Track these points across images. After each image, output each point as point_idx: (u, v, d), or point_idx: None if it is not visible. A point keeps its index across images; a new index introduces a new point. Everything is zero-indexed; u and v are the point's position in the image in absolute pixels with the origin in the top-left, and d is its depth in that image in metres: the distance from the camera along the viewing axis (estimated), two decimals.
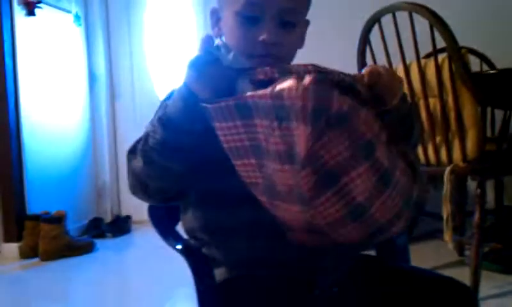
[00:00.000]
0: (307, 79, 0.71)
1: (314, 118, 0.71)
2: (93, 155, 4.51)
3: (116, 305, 2.67)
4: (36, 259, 3.42)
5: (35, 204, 3.65)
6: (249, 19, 0.93)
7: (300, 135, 0.71)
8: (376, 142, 0.76)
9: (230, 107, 0.77)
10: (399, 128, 0.87)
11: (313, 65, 0.74)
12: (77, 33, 4.35)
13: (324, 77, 0.72)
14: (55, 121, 4.00)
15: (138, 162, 0.90)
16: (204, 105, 0.80)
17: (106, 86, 4.59)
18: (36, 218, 3.50)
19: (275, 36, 0.92)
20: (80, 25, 4.36)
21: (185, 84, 0.85)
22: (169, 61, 4.50)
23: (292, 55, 1.00)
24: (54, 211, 3.58)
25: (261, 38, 0.92)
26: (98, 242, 3.75)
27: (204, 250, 0.97)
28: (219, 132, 0.80)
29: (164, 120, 0.86)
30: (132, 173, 0.93)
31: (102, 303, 2.64)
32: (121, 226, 4.19)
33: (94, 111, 4.54)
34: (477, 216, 2.09)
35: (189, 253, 0.95)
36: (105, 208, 4.54)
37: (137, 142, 0.92)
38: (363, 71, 0.81)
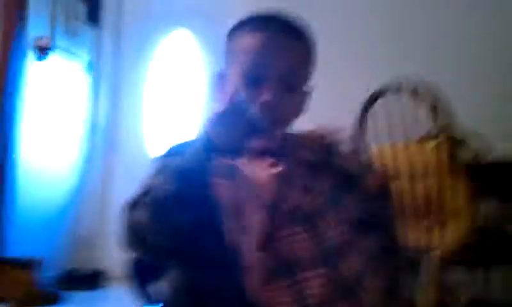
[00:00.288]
0: (276, 171, 0.76)
1: (269, 209, 0.75)
2: (80, 205, 4.43)
3: None
4: (3, 306, 3.30)
5: (13, 247, 3.57)
6: (252, 80, 0.94)
7: (258, 219, 0.76)
8: (343, 251, 0.77)
9: (224, 167, 0.81)
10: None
11: (327, 144, 0.78)
12: (86, 81, 4.37)
13: (311, 162, 0.79)
14: (49, 165, 3.98)
15: (142, 215, 0.87)
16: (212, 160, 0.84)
17: (106, 138, 4.56)
18: (7, 262, 3.42)
19: (276, 97, 0.93)
20: (91, 73, 4.38)
21: (207, 134, 0.86)
22: (172, 119, 4.50)
23: (290, 120, 0.99)
24: (27, 256, 3.49)
25: (262, 99, 0.93)
26: (69, 295, 3.63)
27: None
28: (214, 188, 0.83)
29: (180, 171, 0.85)
30: (130, 226, 0.90)
31: None
32: (95, 280, 4.11)
33: (90, 160, 4.49)
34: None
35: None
36: (82, 261, 4.42)
37: (140, 196, 0.91)
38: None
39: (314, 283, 0.74)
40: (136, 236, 0.90)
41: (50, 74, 3.90)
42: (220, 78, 1.03)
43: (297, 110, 1.00)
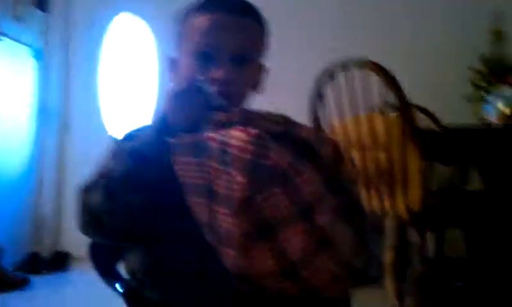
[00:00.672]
0: (251, 132, 0.75)
1: (250, 169, 0.73)
2: (36, 188, 4.36)
3: None
4: None
5: None
6: (203, 57, 0.96)
7: (237, 183, 0.74)
8: (317, 206, 0.78)
9: (188, 144, 0.81)
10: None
11: (283, 118, 0.78)
12: (34, 67, 4.26)
13: (272, 132, 0.78)
14: None
15: (97, 197, 0.88)
16: (168, 139, 0.83)
17: (58, 119, 4.48)
18: None
19: (227, 73, 0.95)
20: (39, 59, 4.28)
21: (164, 114, 0.86)
22: (124, 99, 4.46)
23: (243, 94, 1.01)
24: None
25: (213, 75, 0.94)
26: (34, 279, 3.60)
27: (146, 292, 0.95)
28: (176, 167, 0.83)
29: (134, 152, 0.86)
30: (86, 209, 0.91)
31: None
32: (59, 262, 4.05)
33: (42, 141, 4.40)
34: (417, 265, 2.14)
35: (129, 295, 0.93)
36: (44, 243, 4.38)
37: (95, 178, 0.92)
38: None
39: (294, 240, 0.76)
40: (92, 219, 0.92)
41: None
42: (172, 63, 1.04)
43: (251, 84, 1.02)
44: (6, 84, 3.92)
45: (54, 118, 4.45)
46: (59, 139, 4.50)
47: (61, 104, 4.51)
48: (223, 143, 0.76)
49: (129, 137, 1.00)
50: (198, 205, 0.82)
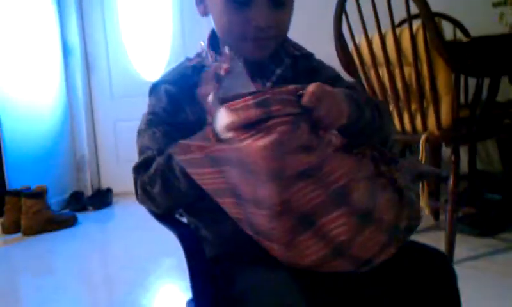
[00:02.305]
0: (267, 144, 0.70)
1: (274, 176, 0.71)
2: (70, 129, 4.49)
3: (101, 277, 2.71)
4: (19, 235, 3.44)
5: (15, 180, 3.65)
6: (239, 3, 0.93)
7: (268, 189, 0.72)
8: (350, 186, 0.76)
9: (200, 159, 0.77)
10: (374, 138, 0.88)
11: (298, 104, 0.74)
12: (49, 5, 4.28)
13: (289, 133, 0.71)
14: (30, 95, 3.97)
15: (156, 184, 0.90)
16: (177, 158, 0.82)
17: (81, 59, 4.54)
18: (17, 193, 3.50)
19: (268, 19, 0.93)
20: None
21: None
22: (144, 33, 4.47)
23: (285, 34, 1.01)
24: (34, 186, 3.58)
25: (254, 23, 0.93)
26: (80, 216, 3.78)
27: (192, 227, 1.00)
28: (195, 177, 0.81)
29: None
30: (142, 187, 0.93)
31: (87, 276, 2.67)
32: (102, 198, 4.20)
33: (69, 84, 4.50)
34: (451, 181, 2.15)
35: (180, 230, 0.97)
36: (86, 182, 4.55)
37: (147, 159, 0.94)
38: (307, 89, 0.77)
39: (336, 224, 0.75)
40: (150, 198, 0.94)
41: (12, 2, 3.81)
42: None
43: (288, 23, 1.00)
44: (27, 23, 3.97)
45: (77, 57, 4.52)
46: (85, 78, 4.59)
47: (82, 42, 4.56)
48: (238, 153, 0.73)
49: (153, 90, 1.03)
50: (226, 204, 0.82)
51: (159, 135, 0.96)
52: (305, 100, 0.74)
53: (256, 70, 1.01)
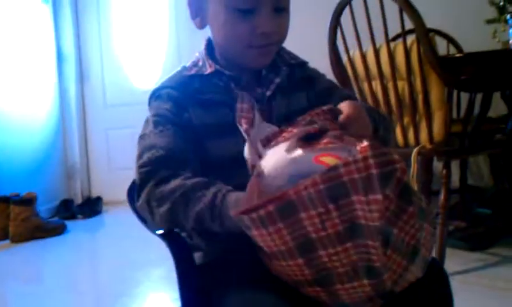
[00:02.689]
0: (360, 148, 0.69)
1: (383, 183, 0.67)
2: (62, 136, 4.47)
3: (89, 286, 2.68)
4: (7, 242, 3.41)
5: (5, 186, 3.61)
6: (244, 12, 0.93)
7: (372, 204, 0.67)
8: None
9: (271, 212, 0.69)
10: None
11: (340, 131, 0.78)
12: (45, 12, 4.27)
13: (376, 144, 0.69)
14: (23, 101, 3.95)
15: (163, 207, 0.86)
16: (239, 216, 0.72)
17: (75, 67, 4.54)
18: (6, 200, 3.48)
19: (273, 25, 0.94)
20: (47, 2, 4.29)
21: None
22: (138, 42, 4.47)
23: (285, 39, 1.01)
24: (24, 193, 3.55)
25: (260, 30, 0.93)
26: (69, 224, 3.75)
27: (183, 234, 0.99)
28: (258, 239, 0.73)
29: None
30: (148, 199, 0.88)
31: (75, 284, 2.65)
32: (92, 207, 4.18)
33: (63, 91, 4.49)
34: (442, 195, 2.16)
35: (170, 238, 0.95)
36: (76, 190, 4.52)
37: (152, 159, 0.90)
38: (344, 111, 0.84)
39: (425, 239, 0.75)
40: (151, 212, 0.90)
41: (7, 8, 3.80)
42: (196, 9, 1.00)
43: (287, 31, 1.01)
44: (22, 29, 3.96)
45: (72, 65, 4.50)
46: (79, 86, 4.57)
47: (76, 50, 4.55)
48: (331, 179, 0.68)
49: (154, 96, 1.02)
50: (290, 266, 0.76)
51: (166, 133, 0.93)
52: (342, 119, 0.84)
53: (255, 80, 1.01)
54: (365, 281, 0.73)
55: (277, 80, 1.01)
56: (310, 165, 0.74)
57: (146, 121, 0.99)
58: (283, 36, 1.00)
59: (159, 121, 0.96)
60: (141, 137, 0.96)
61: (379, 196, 0.67)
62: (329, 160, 0.74)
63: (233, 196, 0.81)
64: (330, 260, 0.72)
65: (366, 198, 0.67)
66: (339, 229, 0.69)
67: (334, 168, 0.68)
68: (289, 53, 1.08)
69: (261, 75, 1.02)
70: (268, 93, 1.00)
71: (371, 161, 0.66)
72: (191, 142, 0.94)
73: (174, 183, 0.86)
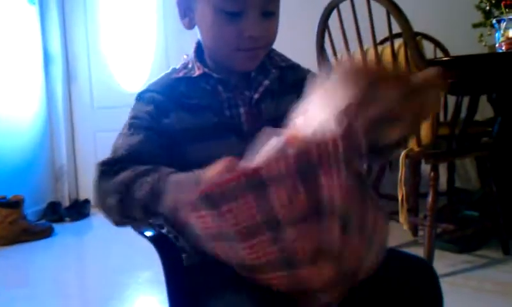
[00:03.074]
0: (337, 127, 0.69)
1: (347, 159, 0.69)
2: (49, 138, 4.44)
3: (76, 290, 2.67)
4: None
5: None
6: (231, 14, 0.92)
7: (333, 181, 0.69)
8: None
9: (241, 184, 0.70)
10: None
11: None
12: (31, 13, 4.25)
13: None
14: (9, 103, 3.91)
15: (113, 197, 0.87)
16: (207, 192, 0.72)
17: (62, 68, 4.51)
18: None
19: (260, 29, 0.93)
20: (34, 3, 4.27)
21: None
22: (126, 43, 4.46)
23: (273, 43, 1.01)
24: (11, 195, 3.52)
25: (247, 34, 0.93)
26: (57, 227, 3.72)
27: (171, 236, 0.99)
28: (227, 216, 0.72)
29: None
30: (100, 192, 0.90)
31: (63, 288, 2.63)
32: (79, 210, 4.15)
33: (50, 93, 4.46)
34: (430, 198, 2.17)
35: (158, 240, 0.95)
36: (63, 192, 4.49)
37: (115, 158, 0.92)
38: None
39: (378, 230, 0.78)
40: (105, 206, 0.91)
41: None
42: (185, 9, 1.00)
43: (275, 35, 1.00)
44: (8, 30, 3.92)
45: (59, 66, 4.48)
46: (66, 87, 4.55)
47: (63, 51, 4.52)
48: (302, 155, 0.70)
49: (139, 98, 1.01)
50: (256, 246, 0.76)
51: (134, 137, 0.94)
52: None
53: (243, 82, 1.01)
54: (328, 264, 0.74)
55: (266, 82, 1.01)
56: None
57: (126, 121, 0.99)
58: (271, 40, 0.99)
59: (133, 123, 0.97)
60: (117, 136, 0.98)
61: (345, 173, 0.68)
62: (299, 135, 0.74)
63: (177, 175, 0.83)
64: (295, 240, 0.72)
65: (332, 176, 0.68)
66: (305, 207, 0.70)
67: (305, 144, 0.69)
68: (280, 55, 1.08)
69: (250, 77, 1.01)
70: (256, 96, 1.00)
71: (339, 138, 0.68)
72: (165, 148, 0.94)
73: (122, 174, 0.87)
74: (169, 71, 1.05)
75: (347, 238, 0.73)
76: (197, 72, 1.00)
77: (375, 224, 0.78)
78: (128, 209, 0.86)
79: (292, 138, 0.73)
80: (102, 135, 4.44)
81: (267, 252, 0.74)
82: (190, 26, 1.01)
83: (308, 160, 0.68)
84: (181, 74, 1.02)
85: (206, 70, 1.00)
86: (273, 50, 1.06)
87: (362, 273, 0.78)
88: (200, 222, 0.74)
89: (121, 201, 0.86)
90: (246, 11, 0.92)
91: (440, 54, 3.05)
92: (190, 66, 1.02)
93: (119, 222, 0.92)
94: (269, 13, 0.95)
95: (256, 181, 0.69)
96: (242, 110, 0.99)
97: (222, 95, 0.98)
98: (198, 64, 1.01)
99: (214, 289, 0.88)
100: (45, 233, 3.53)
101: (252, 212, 0.71)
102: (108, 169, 0.90)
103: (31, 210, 3.84)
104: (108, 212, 0.90)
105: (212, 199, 0.71)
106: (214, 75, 0.99)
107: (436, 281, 0.93)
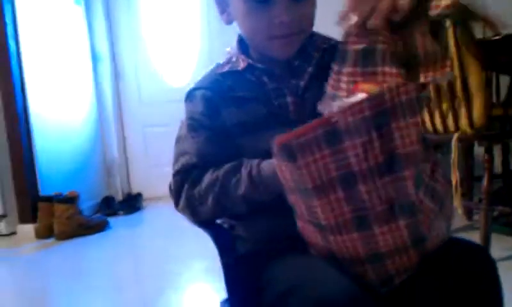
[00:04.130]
0: (394, 79, 0.74)
1: (419, 107, 0.72)
2: (101, 136, 4.56)
3: (132, 280, 2.73)
4: (52, 239, 3.50)
5: (48, 186, 3.70)
6: (260, 2, 0.92)
7: (411, 127, 0.72)
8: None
9: (318, 137, 0.70)
10: None
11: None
12: (78, 13, 4.35)
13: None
14: (62, 101, 4.03)
15: (207, 202, 0.94)
16: (286, 143, 0.71)
17: (110, 66, 4.61)
18: (50, 199, 3.56)
19: (291, 14, 0.92)
20: (80, 4, 4.36)
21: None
22: (171, 39, 4.51)
23: (310, 28, 0.99)
24: (66, 192, 3.63)
25: (277, 20, 0.92)
26: (111, 220, 3.83)
27: (226, 226, 1.01)
28: (303, 171, 0.72)
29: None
30: (189, 201, 0.96)
31: (118, 279, 2.70)
32: (132, 203, 4.25)
33: (99, 91, 4.56)
34: (485, 181, 2.11)
35: (214, 229, 0.98)
36: (116, 187, 4.61)
37: (185, 165, 0.99)
38: None
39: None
40: (193, 210, 0.97)
41: (41, 10, 3.85)
42: (222, 4, 1.01)
43: (313, 13, 0.98)
44: (56, 31, 4.03)
45: (107, 64, 4.58)
46: (114, 84, 4.64)
47: (110, 50, 4.62)
48: (377, 106, 0.72)
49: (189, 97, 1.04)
50: (331, 204, 0.77)
51: (198, 140, 0.98)
52: None
53: (288, 71, 1.00)
54: (401, 222, 0.74)
55: (309, 69, 1.00)
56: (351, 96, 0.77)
57: (182, 123, 1.03)
58: (305, 25, 0.97)
59: (192, 125, 1.00)
60: (177, 140, 1.03)
61: (418, 118, 0.71)
62: (368, 87, 0.76)
63: (265, 162, 0.89)
64: (369, 197, 0.72)
65: (406, 123, 0.70)
66: (380, 160, 0.70)
67: (379, 95, 0.70)
68: (323, 37, 1.05)
69: (293, 65, 1.00)
70: (302, 83, 0.99)
71: (410, 85, 0.70)
72: (224, 145, 0.97)
73: (207, 179, 0.94)
74: (213, 66, 1.06)
75: (421, 195, 0.74)
76: (242, 65, 1.00)
77: (444, 189, 0.79)
78: (226, 208, 0.93)
79: (363, 90, 0.75)
80: (150, 130, 4.53)
81: (341, 212, 0.74)
82: (228, 21, 1.02)
83: (382, 110, 0.69)
84: (226, 68, 1.02)
85: (250, 61, 1.00)
86: (315, 33, 1.04)
87: (432, 243, 0.79)
88: (282, 177, 0.77)
89: (218, 202, 0.93)
90: None
91: (489, 33, 2.95)
92: (234, 59, 1.03)
93: (206, 221, 0.98)
94: None
95: (333, 134, 0.70)
96: (289, 99, 0.98)
97: (268, 85, 0.98)
98: (243, 57, 1.01)
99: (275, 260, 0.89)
100: (100, 226, 3.63)
101: (328, 166, 0.71)
102: (186, 177, 0.97)
103: (86, 205, 3.95)
104: (198, 215, 0.96)
105: (290, 150, 0.71)
106: (259, 65, 0.99)
107: (493, 266, 0.90)
